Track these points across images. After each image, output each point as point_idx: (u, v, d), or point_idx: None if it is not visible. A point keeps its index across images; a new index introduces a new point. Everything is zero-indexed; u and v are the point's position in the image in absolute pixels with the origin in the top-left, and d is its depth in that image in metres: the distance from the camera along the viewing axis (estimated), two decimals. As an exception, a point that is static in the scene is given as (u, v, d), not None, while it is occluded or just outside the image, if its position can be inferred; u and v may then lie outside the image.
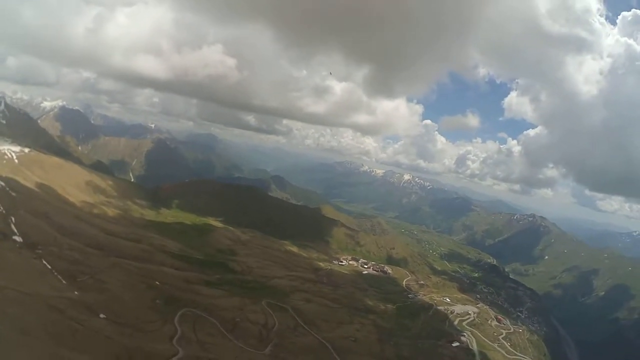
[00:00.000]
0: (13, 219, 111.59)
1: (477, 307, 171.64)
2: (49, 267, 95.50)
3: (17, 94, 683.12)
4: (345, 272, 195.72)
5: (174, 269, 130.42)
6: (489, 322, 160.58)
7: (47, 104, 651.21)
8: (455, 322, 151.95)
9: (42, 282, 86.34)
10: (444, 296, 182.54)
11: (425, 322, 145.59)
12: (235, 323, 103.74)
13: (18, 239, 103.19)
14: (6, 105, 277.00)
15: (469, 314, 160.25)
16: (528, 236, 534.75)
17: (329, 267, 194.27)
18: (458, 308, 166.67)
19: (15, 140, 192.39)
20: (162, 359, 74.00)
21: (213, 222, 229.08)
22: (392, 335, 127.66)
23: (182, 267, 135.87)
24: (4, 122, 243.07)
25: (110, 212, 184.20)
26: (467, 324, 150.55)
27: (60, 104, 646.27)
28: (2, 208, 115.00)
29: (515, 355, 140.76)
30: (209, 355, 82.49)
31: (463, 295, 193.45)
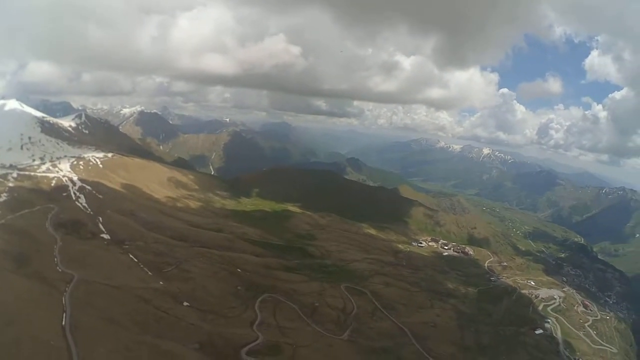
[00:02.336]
0: (100, 218, 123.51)
1: (563, 291, 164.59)
2: (136, 260, 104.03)
3: (97, 105, 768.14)
4: (425, 254, 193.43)
5: (254, 256, 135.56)
6: (575, 307, 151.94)
7: (126, 111, 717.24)
8: (540, 308, 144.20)
9: (129, 275, 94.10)
10: (528, 279, 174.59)
11: (508, 308, 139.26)
12: (315, 308, 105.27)
13: (106, 236, 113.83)
14: (87, 116, 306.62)
15: (555, 299, 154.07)
16: (618, 212, 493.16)
17: (408, 249, 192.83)
18: (543, 292, 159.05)
19: (99, 147, 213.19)
20: (242, 344, 76.39)
21: (291, 207, 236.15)
22: (473, 321, 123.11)
23: (263, 254, 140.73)
24: (86, 132, 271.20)
25: (193, 204, 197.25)
26: (552, 310, 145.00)
27: (139, 109, 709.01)
28: (90, 210, 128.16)
29: (601, 345, 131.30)
30: (288, 340, 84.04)
31: (548, 278, 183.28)
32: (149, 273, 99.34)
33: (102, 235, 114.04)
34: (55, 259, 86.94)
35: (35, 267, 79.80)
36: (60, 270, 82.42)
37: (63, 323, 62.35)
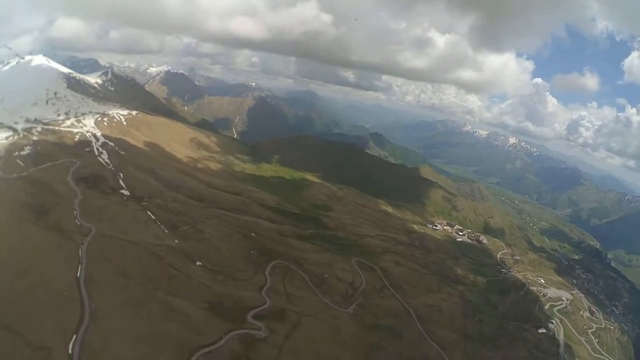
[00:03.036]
0: (121, 174, 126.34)
1: (572, 294, 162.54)
2: (153, 217, 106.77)
3: (125, 63, 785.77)
4: (439, 237, 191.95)
5: (269, 222, 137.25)
6: (581, 312, 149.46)
7: (153, 70, 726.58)
8: (546, 307, 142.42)
9: (145, 231, 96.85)
10: (539, 276, 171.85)
11: (515, 302, 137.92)
12: (323, 279, 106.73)
13: (125, 192, 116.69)
14: (113, 74, 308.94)
15: (562, 300, 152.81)
16: (638, 221, 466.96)
17: (422, 231, 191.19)
18: (551, 292, 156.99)
19: (124, 104, 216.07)
20: (250, 307, 78.43)
21: (310, 177, 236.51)
22: (478, 311, 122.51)
23: (278, 220, 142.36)
24: (112, 89, 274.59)
25: (213, 166, 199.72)
26: (557, 311, 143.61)
27: (166, 68, 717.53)
28: (111, 166, 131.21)
29: (601, 354, 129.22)
30: (294, 308, 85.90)
31: (559, 278, 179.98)
32: (165, 231, 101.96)
33: (121, 191, 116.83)
34: (75, 212, 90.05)
35: (54, 219, 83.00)
36: (78, 223, 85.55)
37: (78, 274, 65.29)
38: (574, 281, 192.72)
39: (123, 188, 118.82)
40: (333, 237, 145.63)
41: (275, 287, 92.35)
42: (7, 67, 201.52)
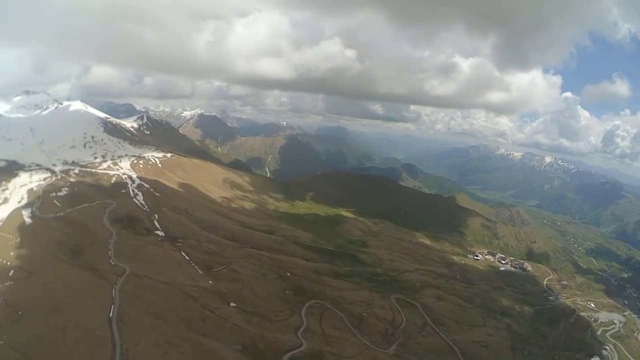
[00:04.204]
0: (156, 215, 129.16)
1: (624, 316, 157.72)
2: (187, 258, 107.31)
3: (160, 107, 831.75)
4: (481, 267, 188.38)
5: (304, 260, 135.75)
6: (635, 334, 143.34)
7: (186, 113, 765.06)
8: (598, 333, 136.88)
9: (179, 271, 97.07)
10: (588, 300, 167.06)
11: (565, 331, 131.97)
12: (362, 318, 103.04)
13: (160, 233, 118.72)
14: (148, 118, 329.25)
15: (614, 324, 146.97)
16: None
17: (463, 262, 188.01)
18: (602, 316, 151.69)
19: (159, 147, 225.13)
20: (285, 350, 75.80)
21: (344, 212, 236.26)
22: (527, 344, 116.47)
23: (313, 258, 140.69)
24: (147, 132, 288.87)
25: (247, 205, 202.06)
26: (610, 336, 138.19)
27: (199, 112, 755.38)
28: (146, 207, 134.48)
29: None
30: (332, 350, 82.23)
31: (609, 300, 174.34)
32: (199, 271, 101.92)
33: (156, 231, 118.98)
34: (109, 252, 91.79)
35: (89, 258, 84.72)
36: (112, 263, 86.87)
37: (110, 314, 65.27)
38: (626, 302, 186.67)
39: (158, 229, 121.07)
40: (370, 273, 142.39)
41: (312, 328, 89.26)
42: (46, 112, 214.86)
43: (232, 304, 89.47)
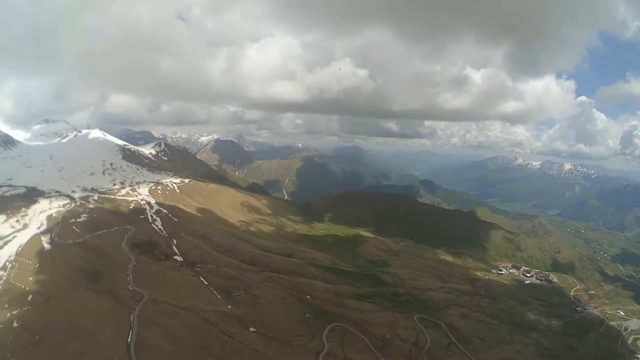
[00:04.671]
0: (174, 241, 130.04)
1: None
2: (206, 283, 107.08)
3: (177, 134, 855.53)
4: (505, 282, 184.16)
5: (324, 282, 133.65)
6: None
7: (203, 139, 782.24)
8: (629, 341, 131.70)
9: (198, 297, 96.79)
10: (617, 309, 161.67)
11: (595, 342, 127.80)
12: (385, 340, 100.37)
13: (178, 258, 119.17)
14: (166, 144, 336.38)
15: None
16: None
17: (487, 277, 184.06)
18: (633, 323, 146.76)
19: (177, 173, 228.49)
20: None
21: (364, 232, 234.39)
22: (556, 358, 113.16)
23: (333, 280, 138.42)
24: (165, 159, 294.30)
25: (265, 228, 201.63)
26: None
27: (215, 137, 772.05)
28: (165, 232, 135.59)
29: None
30: (355, 373, 80.00)
31: (639, 307, 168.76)
32: (218, 296, 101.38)
33: (175, 257, 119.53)
34: (128, 278, 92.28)
35: (108, 284, 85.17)
36: (131, 288, 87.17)
37: (129, 340, 65.03)
38: None
39: (176, 254, 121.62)
40: (392, 293, 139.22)
41: (334, 352, 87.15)
42: (65, 140, 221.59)
43: (251, 329, 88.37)
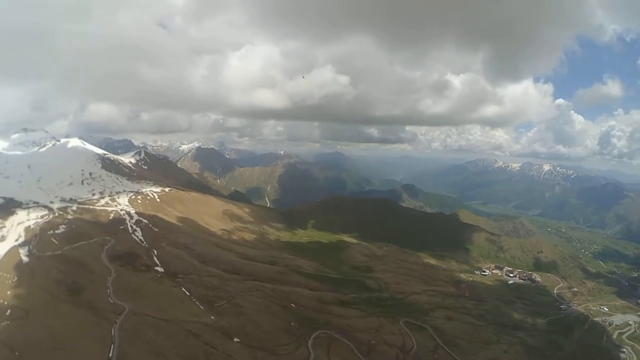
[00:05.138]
0: (155, 251, 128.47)
1: (639, 316, 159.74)
2: (188, 294, 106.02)
3: (158, 142, 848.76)
4: (489, 282, 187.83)
5: (308, 289, 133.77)
6: None
7: (184, 147, 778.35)
8: (614, 336, 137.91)
9: (180, 308, 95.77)
10: (601, 305, 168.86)
11: (580, 338, 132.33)
12: (371, 346, 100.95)
13: (160, 269, 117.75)
14: (146, 153, 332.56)
15: (630, 325, 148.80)
16: None
17: (471, 279, 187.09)
18: (617, 318, 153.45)
19: (157, 182, 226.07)
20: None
21: (347, 238, 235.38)
22: (542, 356, 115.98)
23: (317, 287, 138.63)
24: (145, 167, 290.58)
25: (248, 237, 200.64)
26: (627, 338, 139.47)
27: (197, 145, 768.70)
28: (145, 243, 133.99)
29: None
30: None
31: (622, 302, 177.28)
32: (201, 307, 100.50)
33: (156, 267, 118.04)
34: (108, 290, 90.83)
35: (88, 297, 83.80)
36: (112, 301, 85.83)
37: (110, 354, 64.02)
38: (639, 301, 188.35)
39: (157, 265, 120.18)
40: (377, 298, 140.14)
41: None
42: (44, 149, 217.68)
43: (235, 340, 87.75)
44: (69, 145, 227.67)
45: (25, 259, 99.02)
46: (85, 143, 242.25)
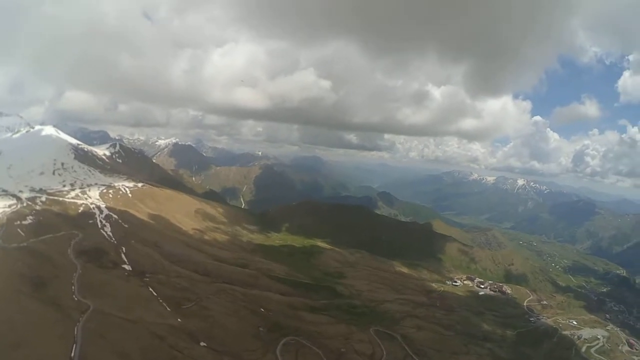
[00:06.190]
0: (124, 248, 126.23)
1: (607, 330, 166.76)
2: (155, 294, 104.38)
3: (135, 135, 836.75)
4: (460, 293, 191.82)
5: (279, 294, 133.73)
6: (620, 347, 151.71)
7: (161, 142, 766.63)
8: (583, 350, 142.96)
9: (146, 309, 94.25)
10: (570, 318, 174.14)
11: (549, 351, 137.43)
12: (340, 354, 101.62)
13: (127, 267, 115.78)
14: (121, 146, 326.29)
15: (598, 339, 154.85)
16: None
17: (442, 289, 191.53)
18: (586, 332, 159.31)
19: (131, 176, 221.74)
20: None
21: (321, 243, 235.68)
22: None
23: (288, 292, 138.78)
24: (119, 161, 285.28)
25: (220, 237, 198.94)
26: (595, 351, 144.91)
27: (174, 141, 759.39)
28: (114, 239, 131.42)
29: None
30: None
31: (591, 316, 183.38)
32: (167, 308, 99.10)
33: (123, 265, 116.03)
34: (73, 287, 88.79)
35: (52, 293, 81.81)
36: (76, 298, 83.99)
37: (72, 354, 62.74)
38: (607, 316, 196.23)
39: (125, 262, 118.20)
40: (348, 305, 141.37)
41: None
42: (17, 136, 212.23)
43: (202, 344, 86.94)
44: (43, 133, 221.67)
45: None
46: (60, 132, 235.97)
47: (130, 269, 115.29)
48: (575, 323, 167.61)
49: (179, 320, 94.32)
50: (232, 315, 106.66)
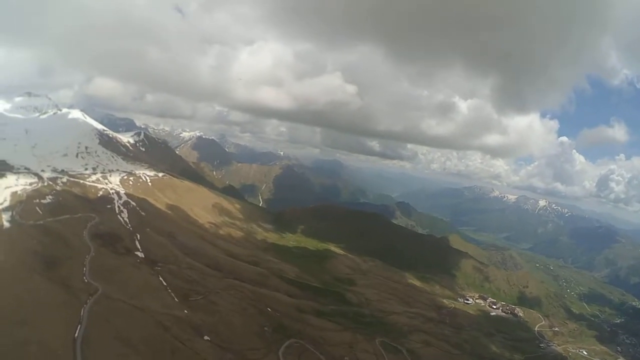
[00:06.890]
0: (138, 235, 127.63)
1: None
2: (165, 284, 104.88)
3: (160, 126, 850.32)
4: (471, 312, 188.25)
5: (287, 296, 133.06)
6: None
7: (185, 134, 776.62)
8: None
9: (154, 297, 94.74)
10: (580, 348, 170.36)
11: None
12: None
13: (140, 254, 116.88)
14: (145, 135, 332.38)
15: None
16: None
17: (453, 306, 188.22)
18: None
19: (152, 166, 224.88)
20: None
21: (334, 248, 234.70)
22: None
23: (296, 294, 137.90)
24: (143, 149, 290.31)
25: (234, 233, 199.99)
26: None
27: (198, 134, 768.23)
28: (130, 226, 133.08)
29: None
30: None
31: (602, 347, 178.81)
32: (175, 299, 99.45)
33: (136, 252, 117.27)
34: (84, 269, 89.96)
35: (63, 273, 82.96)
36: (86, 280, 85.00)
37: (76, 335, 63.26)
38: (619, 348, 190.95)
39: (138, 250, 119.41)
40: (356, 313, 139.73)
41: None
42: (44, 116, 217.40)
43: (205, 337, 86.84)
44: (70, 116, 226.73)
45: (6, 224, 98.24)
46: (86, 116, 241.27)
47: (143, 256, 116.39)
48: (585, 353, 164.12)
49: (185, 312, 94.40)
50: (239, 312, 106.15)
